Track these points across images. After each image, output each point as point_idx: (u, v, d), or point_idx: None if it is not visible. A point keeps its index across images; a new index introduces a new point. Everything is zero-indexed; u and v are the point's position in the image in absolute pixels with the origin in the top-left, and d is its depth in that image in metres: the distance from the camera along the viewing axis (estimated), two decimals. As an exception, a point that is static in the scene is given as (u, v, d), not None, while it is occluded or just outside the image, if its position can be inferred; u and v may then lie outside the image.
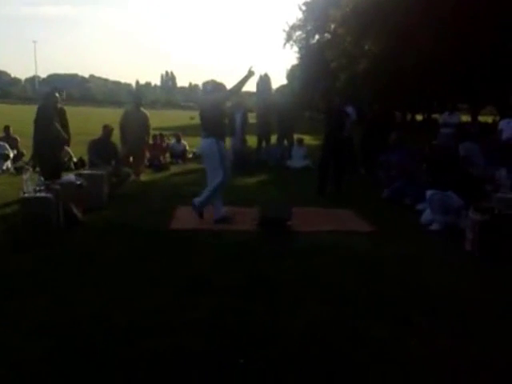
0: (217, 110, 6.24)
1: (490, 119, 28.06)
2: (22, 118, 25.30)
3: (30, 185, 5.35)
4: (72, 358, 2.94)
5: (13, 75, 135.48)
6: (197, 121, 7.57)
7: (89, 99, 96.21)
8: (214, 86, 6.47)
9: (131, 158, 9.76)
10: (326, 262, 4.85)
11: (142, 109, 10.19)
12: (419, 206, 6.94)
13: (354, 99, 13.54)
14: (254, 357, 3.01)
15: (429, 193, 6.36)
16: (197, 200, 6.34)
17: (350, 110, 11.23)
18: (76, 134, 11.52)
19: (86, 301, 3.77)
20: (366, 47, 25.52)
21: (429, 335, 3.37)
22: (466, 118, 17.04)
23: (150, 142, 12.12)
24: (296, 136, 13.00)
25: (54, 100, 7.37)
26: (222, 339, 3.23)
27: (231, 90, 6.29)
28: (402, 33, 19.94)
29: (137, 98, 11.23)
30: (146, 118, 10.00)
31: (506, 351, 3.20)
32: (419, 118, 40.02)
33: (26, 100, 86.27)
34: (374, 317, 3.63)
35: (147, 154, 11.39)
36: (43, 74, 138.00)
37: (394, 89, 23.12)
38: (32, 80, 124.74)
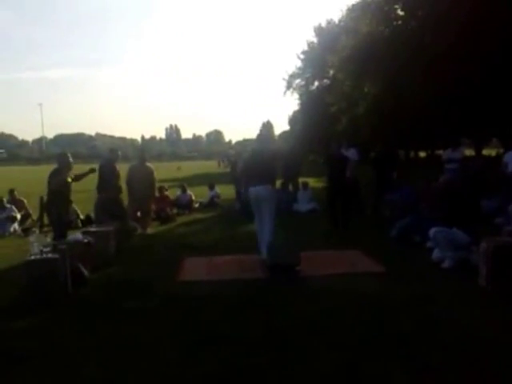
0: (274, 161, 6.83)
1: (493, 152, 28.11)
2: (30, 179, 25.71)
3: (37, 246, 5.34)
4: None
5: (20, 138, 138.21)
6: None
7: (96, 156, 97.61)
8: (267, 137, 6.82)
9: (139, 213, 9.82)
10: (337, 306, 4.75)
11: (147, 163, 10.32)
12: (429, 244, 6.84)
13: (355, 141, 13.68)
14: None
15: (432, 231, 6.29)
16: (265, 257, 6.35)
17: (353, 151, 11.35)
18: (82, 191, 11.65)
19: (92, 362, 3.70)
20: (366, 89, 25.94)
21: (449, 378, 3.25)
22: (469, 152, 17.03)
23: (156, 194, 12.21)
24: (301, 180, 13.05)
25: (66, 161, 7.47)
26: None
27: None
28: (395, 72, 20.32)
29: (141, 152, 11.34)
30: (151, 172, 10.08)
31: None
32: (422, 154, 40.16)
33: (33, 161, 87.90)
34: (390, 360, 3.52)
35: (153, 207, 11.46)
36: (50, 135, 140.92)
37: (395, 128, 23.33)
38: (39, 141, 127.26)
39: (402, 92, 20.32)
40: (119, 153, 9.60)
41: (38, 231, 6.46)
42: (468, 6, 15.11)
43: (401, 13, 22.99)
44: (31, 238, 5.55)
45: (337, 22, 41.72)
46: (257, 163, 6.82)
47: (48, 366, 3.65)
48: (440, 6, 16.53)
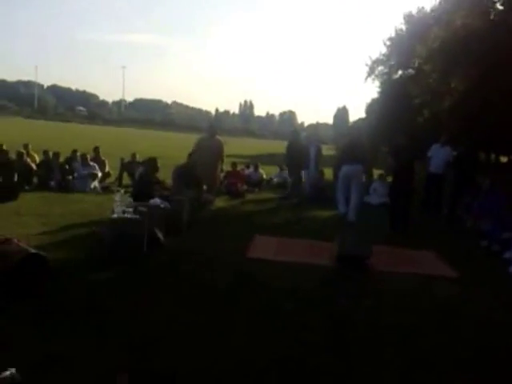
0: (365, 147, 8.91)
1: None
2: (109, 140, 26.71)
3: (120, 206, 5.57)
4: None
5: (101, 98, 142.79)
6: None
7: (170, 124, 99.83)
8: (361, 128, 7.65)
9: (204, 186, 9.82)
10: (406, 307, 4.67)
11: (217, 136, 10.18)
12: (507, 254, 6.56)
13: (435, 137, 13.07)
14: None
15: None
16: (351, 217, 8.40)
17: (447, 149, 10.92)
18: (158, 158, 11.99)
19: (157, 317, 3.89)
20: (452, 84, 24.82)
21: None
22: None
23: (229, 168, 12.42)
24: (377, 172, 12.73)
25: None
26: None
27: None
28: (488, 70, 19.28)
29: (211, 126, 10.98)
30: (220, 146, 9.94)
31: None
32: (503, 159, 38.10)
33: (111, 122, 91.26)
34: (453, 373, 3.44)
35: (225, 181, 11.72)
36: (129, 98, 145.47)
37: (480, 128, 22.23)
38: (119, 103, 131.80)
39: (492, 92, 19.28)
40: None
41: (122, 191, 6.70)
42: None
43: (500, 7, 21.65)
44: (116, 197, 5.78)
45: (429, 10, 39.90)
46: (354, 148, 8.64)
47: (119, 319, 3.84)
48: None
